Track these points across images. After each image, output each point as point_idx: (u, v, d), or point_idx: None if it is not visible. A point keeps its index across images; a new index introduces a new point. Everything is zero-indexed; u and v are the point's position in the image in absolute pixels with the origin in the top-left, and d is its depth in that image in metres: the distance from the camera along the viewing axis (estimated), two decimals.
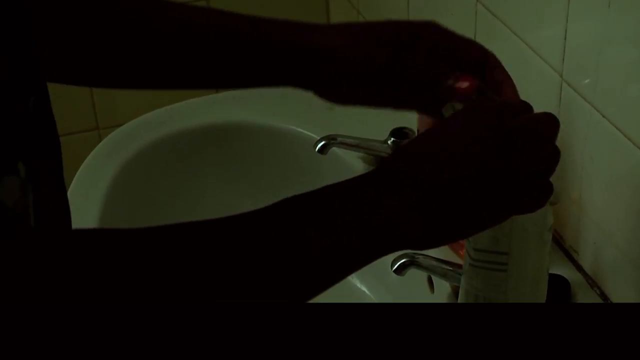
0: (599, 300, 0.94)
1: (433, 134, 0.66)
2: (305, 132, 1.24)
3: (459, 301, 0.80)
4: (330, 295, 1.21)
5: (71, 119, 1.58)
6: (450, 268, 0.97)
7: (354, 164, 1.19)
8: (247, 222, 0.59)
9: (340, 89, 0.74)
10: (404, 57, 0.72)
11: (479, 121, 0.64)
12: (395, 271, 0.97)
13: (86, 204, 1.15)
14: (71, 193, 1.17)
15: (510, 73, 0.73)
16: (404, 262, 0.96)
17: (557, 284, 0.95)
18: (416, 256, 0.97)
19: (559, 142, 0.65)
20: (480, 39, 1.05)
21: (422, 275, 1.05)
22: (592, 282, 0.96)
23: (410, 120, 1.10)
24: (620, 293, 0.93)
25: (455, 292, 0.99)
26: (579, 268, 0.98)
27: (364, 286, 1.22)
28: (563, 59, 0.92)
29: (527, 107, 0.66)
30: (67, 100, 1.52)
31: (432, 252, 1.01)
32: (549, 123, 0.65)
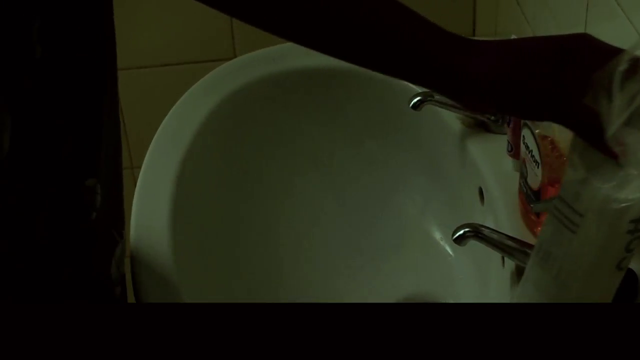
0: None
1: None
2: (410, 85, 1.20)
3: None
4: (412, 248, 1.20)
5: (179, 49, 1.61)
6: (516, 246, 0.93)
7: (452, 124, 1.16)
8: None
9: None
10: (559, 79, 0.69)
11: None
12: (455, 240, 0.94)
13: (180, 135, 1.17)
14: (166, 122, 1.20)
15: None
16: (465, 231, 0.93)
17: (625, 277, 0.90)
18: (480, 228, 0.94)
19: None
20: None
21: None
22: None
23: None
24: None
25: (518, 271, 0.95)
26: None
27: (447, 245, 1.20)
28: None
29: None
30: (178, 30, 1.56)
31: (505, 229, 0.98)
32: None
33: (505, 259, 0.99)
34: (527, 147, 0.96)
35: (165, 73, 1.65)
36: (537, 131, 0.94)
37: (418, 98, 1.12)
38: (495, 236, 0.93)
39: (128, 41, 1.58)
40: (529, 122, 0.94)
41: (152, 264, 1.00)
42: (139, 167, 1.14)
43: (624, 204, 0.68)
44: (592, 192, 0.69)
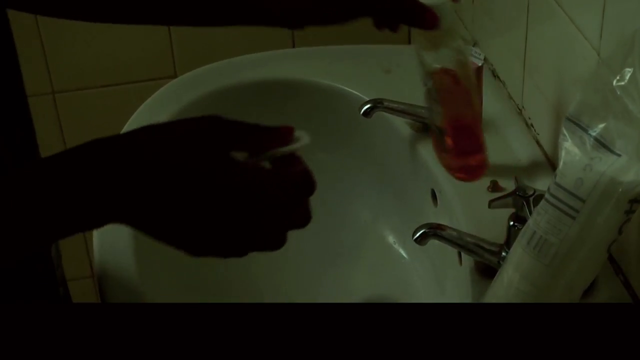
0: (621, 288, 0.92)
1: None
2: (357, 93, 1.23)
3: (518, 237, 0.82)
4: (367, 254, 1.22)
5: (128, 68, 1.61)
6: (476, 242, 0.95)
7: (401, 130, 1.19)
8: None
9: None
10: None
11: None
12: (416, 240, 0.96)
13: None
14: None
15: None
16: (425, 231, 0.96)
17: None
18: (440, 227, 0.96)
19: None
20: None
21: None
22: (617, 269, 0.94)
23: None
24: None
25: (477, 268, 0.98)
26: None
27: (401, 249, 1.22)
28: (600, 36, 0.89)
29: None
30: (125, 48, 1.56)
31: (462, 228, 1.00)
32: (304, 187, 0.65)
33: (463, 257, 1.02)
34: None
35: (105, 94, 1.65)
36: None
37: (368, 105, 1.14)
38: (454, 234, 0.95)
39: (66, 63, 1.58)
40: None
41: (118, 282, 1.01)
42: None
43: (628, 186, 0.73)
44: (596, 177, 0.74)
